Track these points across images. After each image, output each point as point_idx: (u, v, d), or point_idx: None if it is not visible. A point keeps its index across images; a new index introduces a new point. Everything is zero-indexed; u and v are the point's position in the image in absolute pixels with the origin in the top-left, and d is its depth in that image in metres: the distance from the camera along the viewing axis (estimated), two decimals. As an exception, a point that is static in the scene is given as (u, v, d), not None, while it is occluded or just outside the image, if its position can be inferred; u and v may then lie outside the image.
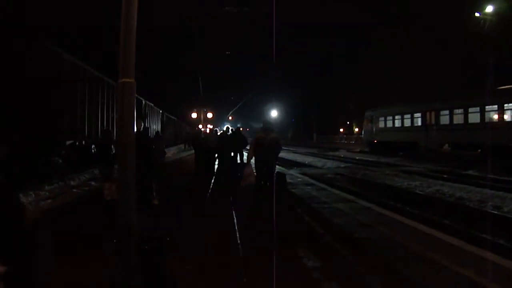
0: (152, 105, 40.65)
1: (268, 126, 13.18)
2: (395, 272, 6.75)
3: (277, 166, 17.91)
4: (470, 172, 26.51)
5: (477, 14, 42.42)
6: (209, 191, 16.34)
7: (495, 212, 14.39)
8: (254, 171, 13.73)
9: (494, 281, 6.32)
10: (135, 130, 4.50)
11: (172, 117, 59.27)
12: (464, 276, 6.61)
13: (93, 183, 17.88)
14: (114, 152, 12.59)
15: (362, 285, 6.26)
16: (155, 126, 41.98)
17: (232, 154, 21.95)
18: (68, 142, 18.91)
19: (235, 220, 10.88)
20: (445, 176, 24.67)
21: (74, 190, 16.28)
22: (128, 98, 4.33)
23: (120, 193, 4.33)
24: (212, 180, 19.32)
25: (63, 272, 6.75)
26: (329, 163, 36.33)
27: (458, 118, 35.96)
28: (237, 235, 9.30)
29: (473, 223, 12.97)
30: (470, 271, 6.77)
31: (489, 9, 41.55)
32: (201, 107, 62.99)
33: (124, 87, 4.30)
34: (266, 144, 12.99)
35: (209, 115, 64.58)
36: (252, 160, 13.85)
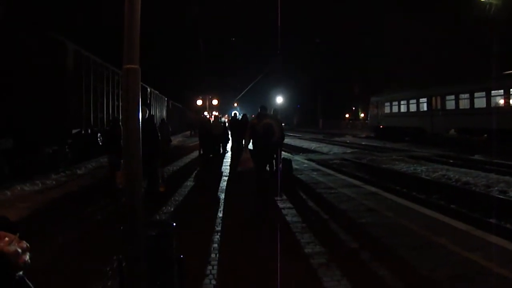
0: (158, 92, 40.63)
1: (263, 111, 13.10)
2: (401, 258, 6.74)
3: (282, 152, 17.92)
4: (476, 157, 26.48)
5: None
6: (214, 178, 16.35)
7: (501, 197, 14.37)
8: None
9: (501, 265, 6.31)
10: (142, 117, 4.51)
11: (178, 105, 59.24)
12: (472, 260, 6.60)
13: (100, 171, 17.91)
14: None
15: (367, 273, 6.25)
16: (161, 114, 41.98)
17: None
18: (74, 131, 18.89)
19: (240, 207, 10.93)
20: (451, 161, 24.66)
21: (81, 178, 16.32)
22: (132, 84, 4.32)
23: (126, 180, 4.34)
24: (217, 167, 19.36)
25: (72, 261, 6.80)
26: (335, 149, 36.32)
27: (464, 103, 35.81)
28: (237, 222, 9.34)
29: (479, 207, 12.99)
30: (477, 256, 6.76)
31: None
32: (206, 94, 63.01)
33: (128, 74, 4.29)
34: (260, 130, 12.94)
35: (214, 101, 64.51)
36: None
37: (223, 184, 14.98)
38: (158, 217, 9.74)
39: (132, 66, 4.30)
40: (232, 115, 28.22)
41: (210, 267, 6.45)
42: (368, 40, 78.26)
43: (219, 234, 8.29)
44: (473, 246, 7.27)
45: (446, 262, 6.53)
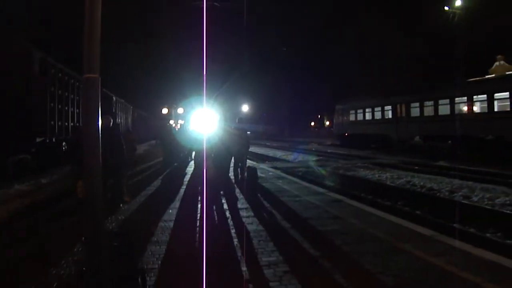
0: (123, 101, 40.31)
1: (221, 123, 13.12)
2: (366, 265, 6.66)
3: (248, 161, 17.84)
4: (441, 163, 26.76)
5: (446, 8, 42.85)
6: (178, 186, 16.18)
7: (465, 202, 14.48)
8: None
9: (465, 270, 6.29)
10: (105, 126, 4.44)
11: (144, 113, 58.96)
12: (436, 265, 6.57)
13: (64, 180, 17.58)
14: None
15: (330, 281, 6.13)
16: (126, 122, 41.64)
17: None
18: (38, 139, 18.55)
19: (201, 215, 10.77)
20: (416, 167, 24.88)
21: (45, 188, 15.97)
22: (92, 93, 4.31)
23: (87, 191, 4.28)
24: (181, 176, 19.19)
25: (34, 269, 6.61)
26: (300, 157, 36.40)
27: (429, 110, 36.15)
28: (198, 237, 9.18)
29: (444, 213, 13.06)
30: (441, 261, 6.74)
31: (458, 2, 41.96)
32: (172, 103, 62.77)
33: (88, 83, 4.28)
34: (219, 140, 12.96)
35: (180, 110, 64.23)
36: None
37: (187, 191, 14.81)
38: (122, 228, 9.54)
39: (92, 75, 4.27)
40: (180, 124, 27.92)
41: (173, 277, 6.30)
42: (334, 48, 78.99)
43: (181, 243, 8.13)
44: (437, 251, 7.25)
45: (410, 268, 6.47)
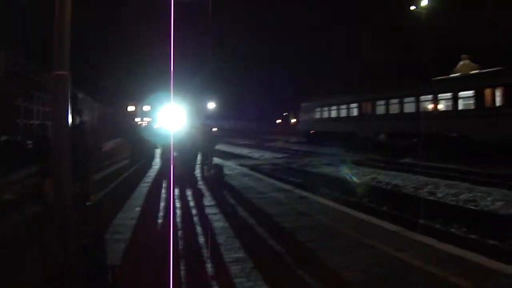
0: (89, 98, 39.84)
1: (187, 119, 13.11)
2: (332, 260, 6.63)
3: (214, 158, 17.77)
4: (406, 160, 27.01)
5: (412, 8, 43.30)
6: (145, 183, 16.03)
7: (430, 198, 14.64)
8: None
9: (430, 263, 6.35)
10: (70, 124, 4.33)
11: (110, 111, 58.36)
12: (402, 259, 6.59)
13: (31, 179, 17.25)
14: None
15: (297, 276, 6.10)
16: (92, 120, 41.19)
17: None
18: (3, 138, 18.21)
19: (170, 213, 10.67)
20: (382, 164, 25.03)
21: (12, 187, 15.66)
22: (62, 91, 4.21)
23: (56, 189, 4.20)
24: (146, 172, 19.03)
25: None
26: (267, 154, 36.51)
27: (394, 108, 36.48)
28: (165, 234, 9.09)
29: (409, 209, 13.16)
30: (408, 255, 6.76)
31: (424, 2, 42.43)
32: (139, 100, 62.37)
33: (58, 80, 4.19)
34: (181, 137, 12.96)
35: (146, 107, 63.86)
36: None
37: (153, 189, 14.68)
38: (89, 226, 9.39)
39: (62, 72, 4.19)
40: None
41: (140, 274, 6.20)
42: (300, 46, 79.28)
43: (147, 241, 8.03)
44: (403, 246, 7.27)
45: (377, 263, 6.47)
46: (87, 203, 11.67)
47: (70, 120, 4.25)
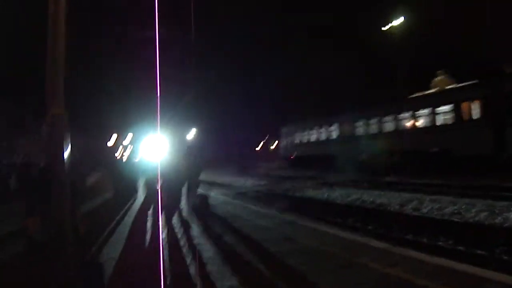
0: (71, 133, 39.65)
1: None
2: (323, 281, 6.64)
3: (199, 189, 17.72)
4: (388, 178, 27.11)
5: (386, 27, 43.87)
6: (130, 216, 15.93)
7: (415, 214, 14.72)
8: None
9: (421, 276, 6.38)
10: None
11: (90, 144, 58.06)
12: (393, 275, 6.62)
13: (13, 217, 17.02)
14: (36, 182, 12.08)
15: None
16: (74, 154, 40.92)
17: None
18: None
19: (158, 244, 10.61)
20: (365, 184, 25.13)
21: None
22: (58, 131, 4.24)
23: (56, 224, 4.25)
24: (131, 206, 18.93)
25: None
26: (249, 181, 36.51)
27: (373, 128, 36.73)
28: (155, 266, 9.03)
29: (396, 226, 13.22)
30: (398, 270, 6.80)
31: (397, 22, 43.03)
32: (119, 134, 62.11)
33: (54, 120, 4.22)
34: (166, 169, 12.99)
35: (127, 140, 63.55)
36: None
37: (140, 221, 14.61)
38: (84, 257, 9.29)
39: (58, 111, 4.21)
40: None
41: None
42: (279, 71, 79.82)
43: (138, 272, 7.98)
44: (393, 262, 7.31)
45: (368, 280, 6.49)
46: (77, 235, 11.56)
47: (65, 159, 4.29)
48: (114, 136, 62.43)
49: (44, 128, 4.35)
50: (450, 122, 28.42)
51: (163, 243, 10.77)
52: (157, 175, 14.28)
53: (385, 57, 49.95)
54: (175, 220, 14.05)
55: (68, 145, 4.34)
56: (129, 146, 60.34)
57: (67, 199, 4.30)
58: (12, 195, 19.80)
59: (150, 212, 16.78)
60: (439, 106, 29.65)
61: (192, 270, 7.95)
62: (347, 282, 6.52)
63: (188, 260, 8.90)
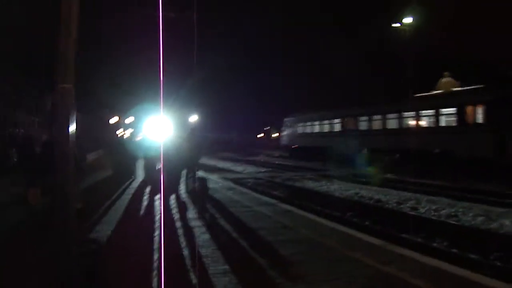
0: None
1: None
2: (318, 273, 6.72)
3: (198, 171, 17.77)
4: (389, 175, 27.09)
5: (397, 25, 43.71)
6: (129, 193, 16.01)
7: (412, 213, 14.79)
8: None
9: (414, 276, 6.44)
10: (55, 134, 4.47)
11: (93, 122, 58.15)
12: (387, 272, 6.69)
13: (15, 188, 17.09)
14: (38, 155, 12.20)
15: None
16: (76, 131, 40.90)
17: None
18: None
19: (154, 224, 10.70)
20: (364, 179, 25.15)
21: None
22: (66, 103, 4.32)
23: (59, 199, 4.30)
24: (131, 183, 19.01)
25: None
26: (249, 168, 36.59)
27: (377, 124, 36.68)
28: (154, 247, 9.11)
29: (392, 223, 13.29)
30: (392, 268, 6.86)
31: (408, 20, 42.86)
32: (122, 112, 62.14)
33: (62, 92, 4.29)
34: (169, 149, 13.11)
35: (129, 119, 63.61)
36: None
37: (138, 201, 14.69)
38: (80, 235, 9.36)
39: (66, 85, 4.30)
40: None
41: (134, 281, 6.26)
42: (283, 61, 79.65)
43: (136, 253, 8.05)
44: (387, 259, 7.36)
45: (362, 275, 6.56)
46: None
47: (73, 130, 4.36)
48: (116, 115, 62.50)
49: (52, 100, 4.48)
50: (453, 124, 28.40)
51: (160, 223, 10.86)
52: (159, 155, 14.36)
53: (392, 54, 49.94)
54: (173, 201, 14.14)
55: (74, 119, 4.42)
56: (131, 125, 60.39)
57: (71, 171, 4.36)
58: (14, 166, 19.91)
59: (148, 191, 16.89)
60: (443, 108, 29.62)
61: (187, 252, 8.04)
62: (339, 276, 6.60)
63: (184, 242, 8.99)
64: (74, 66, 4.40)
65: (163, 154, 14.27)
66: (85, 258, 4.30)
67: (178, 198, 14.65)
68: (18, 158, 20.45)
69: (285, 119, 55.41)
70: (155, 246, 8.53)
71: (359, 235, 9.59)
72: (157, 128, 21.72)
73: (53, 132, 4.47)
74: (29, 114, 21.51)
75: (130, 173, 21.96)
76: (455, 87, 33.01)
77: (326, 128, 45.07)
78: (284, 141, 56.72)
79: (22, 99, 21.13)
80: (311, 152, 46.43)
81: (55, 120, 4.47)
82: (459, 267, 7.08)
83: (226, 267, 7.06)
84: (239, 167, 37.52)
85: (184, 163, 15.14)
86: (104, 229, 10.07)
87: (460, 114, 27.79)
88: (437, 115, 30.02)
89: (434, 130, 30.11)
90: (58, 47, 4.33)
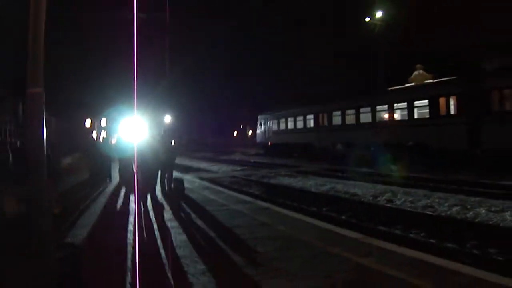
0: (46, 113, 39.23)
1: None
2: (296, 269, 6.70)
3: (174, 172, 17.69)
4: (364, 169, 27.23)
5: (367, 19, 44.00)
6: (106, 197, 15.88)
7: (389, 206, 14.87)
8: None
9: (392, 267, 6.47)
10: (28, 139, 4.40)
11: (67, 126, 57.57)
12: (365, 265, 6.70)
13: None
14: (11, 164, 12.10)
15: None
16: (49, 135, 40.53)
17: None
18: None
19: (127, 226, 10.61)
20: (339, 174, 25.28)
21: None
22: (36, 108, 4.26)
23: (33, 204, 4.23)
24: (106, 186, 18.87)
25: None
26: (225, 167, 36.58)
27: (350, 119, 36.82)
28: (128, 248, 9.02)
29: (369, 216, 13.35)
30: (370, 260, 6.89)
31: (379, 14, 43.17)
32: (96, 115, 61.77)
33: (32, 97, 4.23)
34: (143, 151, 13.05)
35: (103, 122, 63.32)
36: None
37: (114, 203, 14.59)
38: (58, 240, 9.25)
39: (36, 90, 4.23)
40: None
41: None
42: (257, 60, 79.67)
43: (111, 254, 7.97)
44: (365, 252, 7.39)
45: (340, 269, 6.55)
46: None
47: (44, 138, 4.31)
48: (90, 118, 62.10)
49: (22, 106, 4.42)
50: (427, 116, 28.59)
51: (137, 225, 10.78)
52: (134, 157, 14.26)
53: (365, 48, 50.15)
54: (149, 202, 14.06)
55: (43, 123, 4.37)
56: (105, 128, 60.05)
57: (44, 177, 4.29)
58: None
59: (124, 193, 16.79)
60: (416, 100, 29.82)
61: (163, 253, 7.98)
62: (317, 270, 6.59)
63: (161, 243, 8.92)
64: (43, 69, 4.33)
65: (138, 155, 14.18)
66: (62, 263, 4.22)
67: (154, 199, 14.55)
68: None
69: (259, 116, 55.45)
70: (131, 248, 8.45)
71: (337, 229, 9.61)
72: (131, 129, 21.59)
73: (25, 137, 4.42)
74: (2, 118, 21.18)
75: (106, 175, 21.82)
76: (428, 80, 33.29)
77: (299, 125, 45.16)
78: (259, 138, 56.79)
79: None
80: (286, 149, 46.60)
81: (25, 125, 4.43)
82: (437, 257, 7.11)
83: (204, 266, 7.00)
84: (214, 167, 37.49)
85: (160, 163, 15.07)
86: (81, 233, 9.96)
87: (433, 107, 27.99)
88: (410, 108, 30.20)
89: (408, 122, 30.29)
90: (27, 52, 4.28)
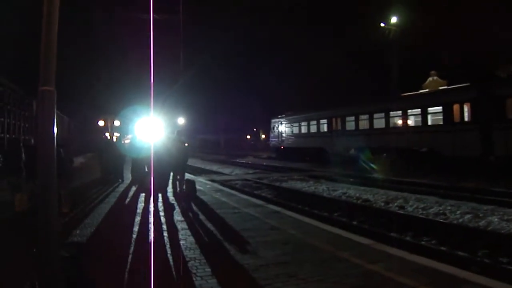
0: (59, 112, 39.40)
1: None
2: (306, 274, 6.68)
3: (186, 174, 17.70)
4: (376, 175, 27.13)
5: (382, 24, 43.90)
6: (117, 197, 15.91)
7: (400, 212, 14.80)
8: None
9: (402, 275, 6.43)
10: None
11: (80, 125, 57.83)
12: (374, 271, 6.67)
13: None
14: (23, 160, 12.13)
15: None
16: (62, 134, 40.74)
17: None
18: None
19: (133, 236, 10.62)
20: (351, 179, 25.18)
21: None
22: (48, 106, 4.27)
23: (41, 202, 4.23)
24: (118, 186, 18.90)
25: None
26: (237, 170, 36.52)
27: (364, 124, 36.72)
28: (142, 250, 9.03)
29: (380, 222, 13.30)
30: (380, 267, 6.85)
31: (394, 20, 43.07)
32: (109, 115, 62.10)
33: (44, 95, 4.24)
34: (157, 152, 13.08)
35: (117, 123, 63.61)
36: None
37: (126, 201, 14.62)
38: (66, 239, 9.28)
39: (48, 88, 4.24)
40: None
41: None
42: (270, 63, 79.77)
43: (125, 258, 7.98)
44: (375, 258, 7.35)
45: (350, 275, 6.53)
46: (60, 215, 11.54)
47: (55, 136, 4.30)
48: (103, 118, 62.44)
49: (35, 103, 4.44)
50: (440, 122, 28.48)
51: (152, 226, 10.81)
52: (149, 157, 14.30)
53: (380, 54, 50.03)
54: (160, 203, 14.09)
55: (54, 122, 4.37)
56: (119, 128, 60.28)
57: (54, 175, 4.30)
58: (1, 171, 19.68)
59: (135, 193, 16.83)
60: (430, 107, 29.71)
61: (173, 255, 7.98)
62: (327, 275, 6.58)
63: (170, 244, 8.92)
64: (55, 68, 4.34)
65: (153, 156, 14.22)
66: (68, 262, 4.22)
67: (165, 200, 14.58)
68: (4, 163, 20.24)
69: (272, 120, 55.44)
70: (139, 249, 8.46)
71: (347, 234, 9.58)
72: (146, 129, 21.65)
73: (35, 134, 4.44)
74: (15, 118, 21.26)
75: (118, 176, 21.88)
76: (442, 86, 33.16)
77: (313, 129, 45.10)
78: (272, 142, 56.77)
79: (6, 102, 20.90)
80: (298, 153, 46.55)
81: (37, 123, 4.44)
82: (448, 265, 7.07)
83: (214, 269, 7.01)
84: (226, 169, 37.47)
85: (173, 165, 15.11)
86: (89, 232, 9.99)
87: (447, 113, 27.88)
88: (424, 114, 30.09)
89: (421, 129, 30.18)
90: (40, 47, 4.29)
